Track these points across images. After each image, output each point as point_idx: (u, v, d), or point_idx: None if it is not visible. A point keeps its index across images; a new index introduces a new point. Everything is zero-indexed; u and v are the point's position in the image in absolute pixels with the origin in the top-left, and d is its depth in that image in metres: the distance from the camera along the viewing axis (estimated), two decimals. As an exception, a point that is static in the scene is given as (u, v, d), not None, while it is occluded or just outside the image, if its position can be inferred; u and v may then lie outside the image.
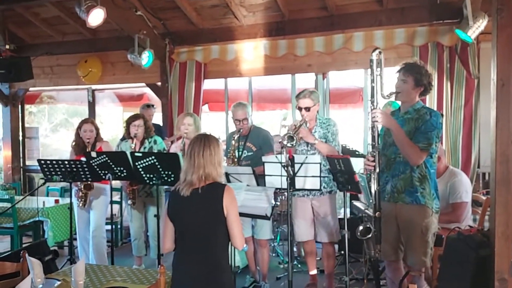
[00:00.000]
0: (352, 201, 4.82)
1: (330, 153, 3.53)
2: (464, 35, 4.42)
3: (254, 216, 3.21)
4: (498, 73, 2.36)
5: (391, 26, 5.03)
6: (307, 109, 3.70)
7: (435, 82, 4.90)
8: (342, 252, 4.66)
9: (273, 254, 5.02)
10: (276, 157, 3.39)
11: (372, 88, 2.82)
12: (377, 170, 2.87)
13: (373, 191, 2.91)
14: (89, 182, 4.21)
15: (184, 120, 4.31)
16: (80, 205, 4.33)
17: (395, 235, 3.02)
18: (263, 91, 6.49)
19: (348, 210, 5.21)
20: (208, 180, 2.37)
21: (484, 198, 3.85)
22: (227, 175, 3.51)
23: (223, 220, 2.36)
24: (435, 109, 4.81)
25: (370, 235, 2.87)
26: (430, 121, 2.85)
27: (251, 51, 5.55)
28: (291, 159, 3.25)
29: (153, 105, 5.60)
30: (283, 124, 3.82)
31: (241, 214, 2.75)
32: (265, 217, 3.08)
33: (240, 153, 4.10)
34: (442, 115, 2.96)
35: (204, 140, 2.44)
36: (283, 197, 4.63)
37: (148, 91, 6.61)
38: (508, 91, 2.14)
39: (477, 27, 4.30)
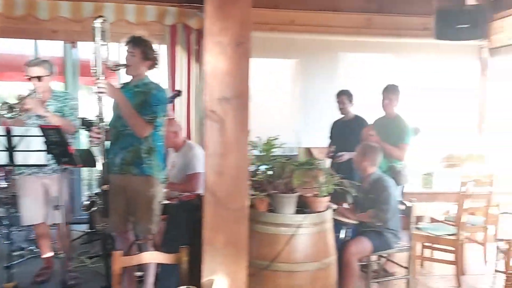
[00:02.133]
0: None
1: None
2: (206, 19, 4.76)
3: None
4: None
5: (142, 1, 5.02)
6: (38, 78, 3.38)
7: (184, 63, 5.17)
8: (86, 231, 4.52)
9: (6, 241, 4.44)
10: (-11, 129, 2.95)
11: (95, 58, 2.74)
12: (104, 142, 2.84)
13: (100, 164, 2.86)
14: None
15: None
16: None
17: (124, 206, 3.05)
18: (-2, 56, 5.59)
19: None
20: None
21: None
22: None
23: None
24: (184, 89, 5.09)
25: (95, 208, 2.82)
26: (157, 95, 2.97)
27: (-22, 6, 4.67)
28: (8, 131, 2.88)
29: None
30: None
31: None
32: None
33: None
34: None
35: None
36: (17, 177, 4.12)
37: None
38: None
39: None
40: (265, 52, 5.45)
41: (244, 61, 1.98)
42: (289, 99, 5.74)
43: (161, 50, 5.29)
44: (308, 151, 5.63)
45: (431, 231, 4.08)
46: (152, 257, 2.18)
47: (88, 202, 2.88)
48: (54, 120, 3.35)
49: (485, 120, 5.82)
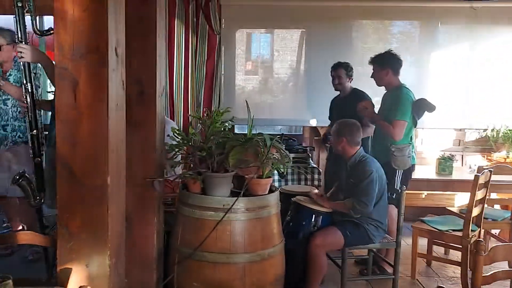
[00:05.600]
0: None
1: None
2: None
3: None
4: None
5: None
6: (-1, 48, 3.30)
7: (183, 36, 4.88)
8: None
9: None
10: None
11: (16, 21, 2.54)
12: (32, 113, 2.65)
13: (29, 135, 2.69)
14: None
15: None
16: None
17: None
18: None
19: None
20: None
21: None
22: None
23: None
24: (182, 63, 4.80)
25: (24, 181, 2.66)
26: None
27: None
28: None
29: None
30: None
31: None
32: None
33: None
34: None
35: None
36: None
37: None
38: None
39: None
40: (266, 21, 5.00)
41: (101, 9, 1.63)
42: (295, 73, 5.24)
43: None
44: (316, 130, 5.13)
45: (435, 225, 3.45)
46: (27, 238, 1.95)
47: (18, 176, 2.71)
48: (8, 90, 3.26)
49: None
